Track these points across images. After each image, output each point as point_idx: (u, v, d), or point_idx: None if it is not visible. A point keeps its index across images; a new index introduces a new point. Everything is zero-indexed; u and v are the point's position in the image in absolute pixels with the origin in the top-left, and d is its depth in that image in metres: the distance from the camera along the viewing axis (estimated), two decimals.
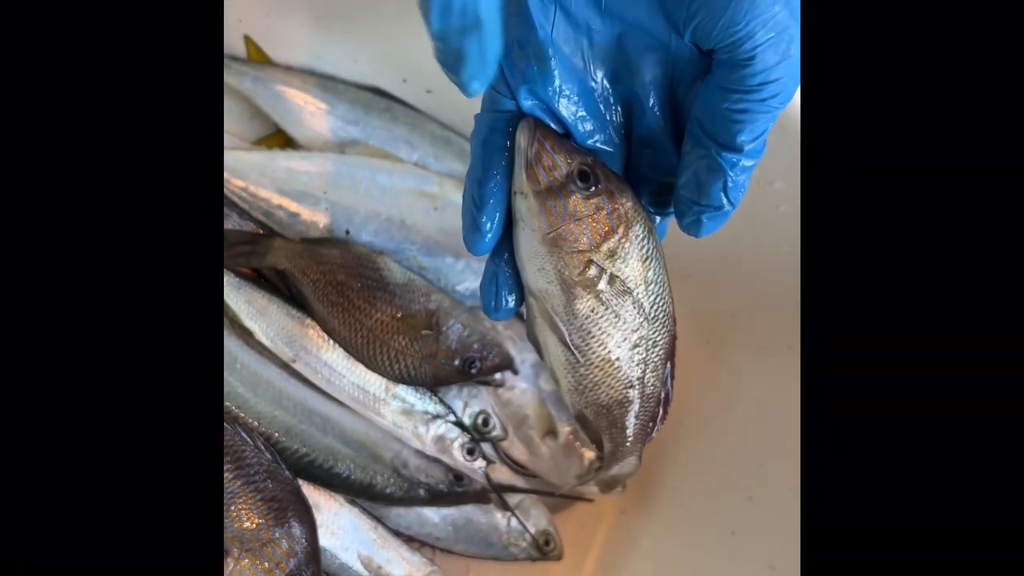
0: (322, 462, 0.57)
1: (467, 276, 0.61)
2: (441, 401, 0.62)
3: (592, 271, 0.32)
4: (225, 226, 0.57)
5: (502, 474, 0.67)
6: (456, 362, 0.58)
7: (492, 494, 0.64)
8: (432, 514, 0.64)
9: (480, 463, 0.62)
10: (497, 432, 0.64)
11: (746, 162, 0.31)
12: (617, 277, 0.32)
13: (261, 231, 0.57)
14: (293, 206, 0.57)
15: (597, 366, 0.34)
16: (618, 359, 0.33)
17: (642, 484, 0.73)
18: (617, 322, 0.33)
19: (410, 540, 0.63)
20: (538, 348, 0.35)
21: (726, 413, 0.72)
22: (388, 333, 0.56)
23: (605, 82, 0.33)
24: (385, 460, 0.60)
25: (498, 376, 0.63)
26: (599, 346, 0.33)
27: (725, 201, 0.31)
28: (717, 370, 0.74)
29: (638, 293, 0.33)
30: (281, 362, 0.58)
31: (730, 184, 0.31)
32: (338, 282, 0.56)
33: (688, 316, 0.75)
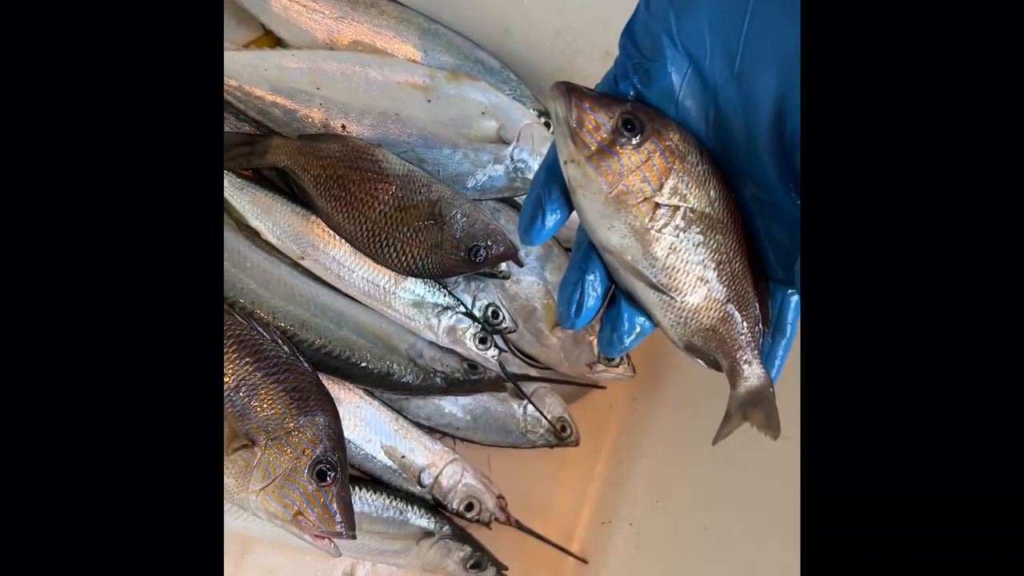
0: (339, 353, 0.58)
1: (464, 166, 0.61)
2: (450, 293, 0.63)
3: (661, 213, 0.32)
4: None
5: (515, 365, 0.69)
6: (462, 251, 0.58)
7: (508, 383, 0.65)
8: (450, 405, 0.66)
9: (493, 351, 0.63)
10: (507, 324, 0.65)
11: None
12: (686, 208, 0.33)
13: (258, 131, 0.58)
14: (288, 103, 0.57)
15: (691, 294, 0.34)
16: (708, 280, 0.34)
17: (652, 370, 0.75)
18: (698, 248, 0.33)
19: (431, 431, 0.65)
20: (627, 295, 0.35)
21: None
22: (392, 225, 0.57)
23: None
24: (400, 351, 0.61)
25: (504, 267, 0.63)
26: (687, 276, 0.34)
27: None
28: None
29: (708, 213, 0.33)
30: (291, 260, 0.58)
31: None
32: (339, 176, 0.56)
33: None
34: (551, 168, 0.34)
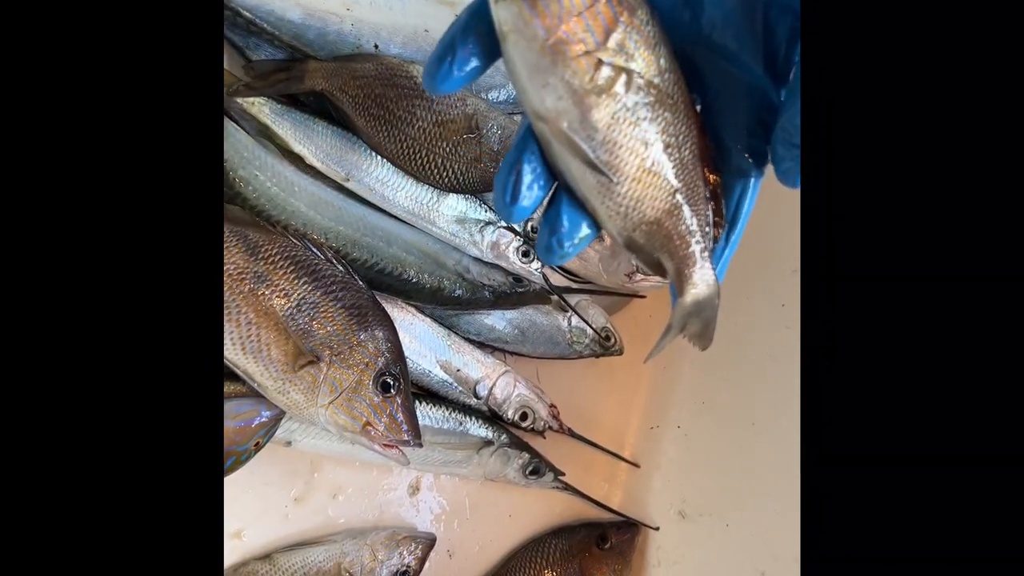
0: (391, 270, 0.60)
1: (496, 78, 0.61)
2: (491, 209, 0.64)
3: (604, 72, 0.28)
4: (257, 57, 0.58)
5: (557, 280, 0.70)
6: (500, 163, 0.59)
7: (552, 294, 0.67)
8: (498, 320, 0.67)
9: (536, 264, 0.64)
10: None
11: None
12: (633, 72, 0.28)
13: (293, 57, 0.58)
14: (320, 26, 0.58)
15: (634, 179, 0.29)
16: (655, 163, 0.29)
17: None
18: (643, 123, 0.29)
19: (481, 346, 0.67)
20: (564, 182, 0.30)
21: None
22: (431, 140, 0.58)
23: None
24: (448, 267, 0.62)
25: None
26: (631, 155, 0.29)
27: None
28: None
29: (657, 84, 0.29)
30: (336, 183, 0.60)
31: None
32: (376, 95, 0.57)
33: None
34: (477, 11, 0.29)
